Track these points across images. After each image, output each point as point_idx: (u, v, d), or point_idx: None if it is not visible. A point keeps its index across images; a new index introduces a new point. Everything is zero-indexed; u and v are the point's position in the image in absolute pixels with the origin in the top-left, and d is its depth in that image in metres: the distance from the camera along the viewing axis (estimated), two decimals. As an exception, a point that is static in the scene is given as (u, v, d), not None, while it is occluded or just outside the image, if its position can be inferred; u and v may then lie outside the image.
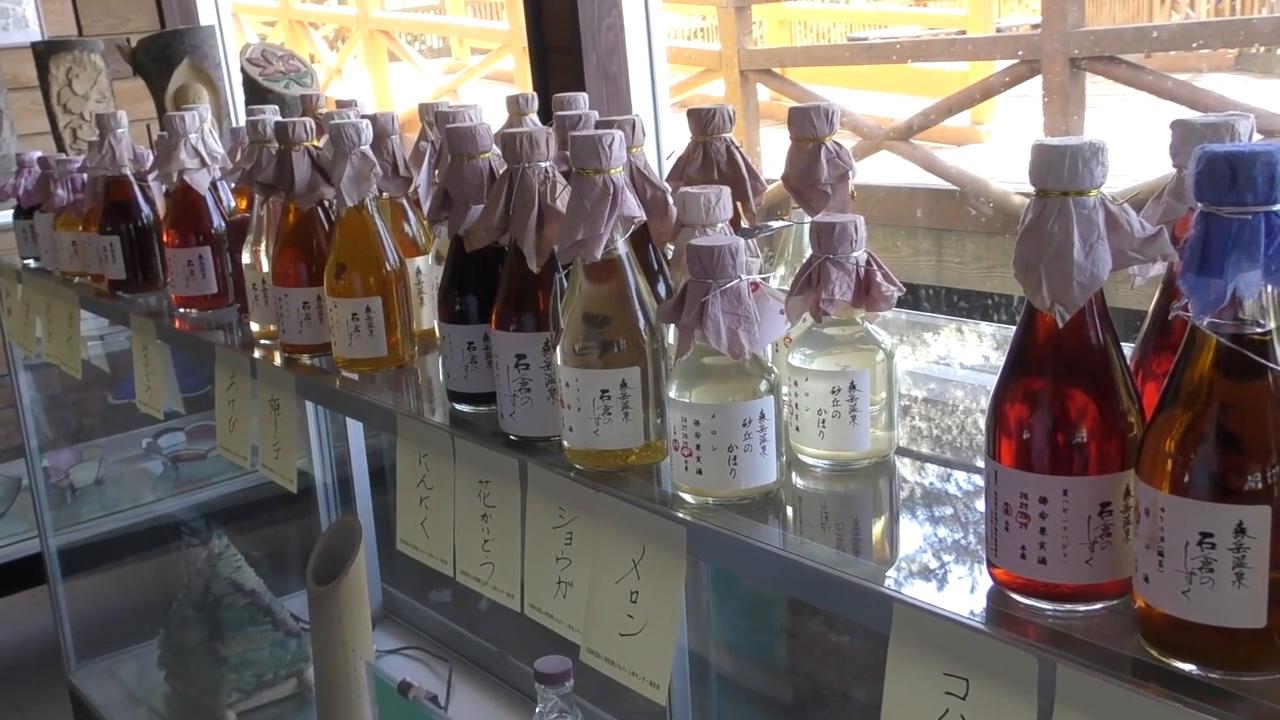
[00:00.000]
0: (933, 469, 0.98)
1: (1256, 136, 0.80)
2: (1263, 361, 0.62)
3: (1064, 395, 0.70)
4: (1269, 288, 0.62)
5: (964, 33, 5.73)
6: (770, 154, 4.22)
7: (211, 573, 2.28)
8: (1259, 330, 0.62)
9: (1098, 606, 0.71)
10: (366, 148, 1.25)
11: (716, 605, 2.08)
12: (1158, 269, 0.80)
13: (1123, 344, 0.72)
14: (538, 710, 1.48)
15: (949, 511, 0.90)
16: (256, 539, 3.02)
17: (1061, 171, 0.68)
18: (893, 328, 1.36)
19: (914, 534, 0.87)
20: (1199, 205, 0.62)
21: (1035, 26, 4.49)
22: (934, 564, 0.81)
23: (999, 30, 5.89)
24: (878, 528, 0.90)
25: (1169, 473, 0.63)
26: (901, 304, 0.95)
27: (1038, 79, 3.70)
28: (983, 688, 0.70)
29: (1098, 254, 0.68)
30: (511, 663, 2.24)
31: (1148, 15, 6.77)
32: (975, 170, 3.95)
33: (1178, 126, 0.79)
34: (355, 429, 2.51)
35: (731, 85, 4.68)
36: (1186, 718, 0.61)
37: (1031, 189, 0.70)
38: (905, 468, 0.98)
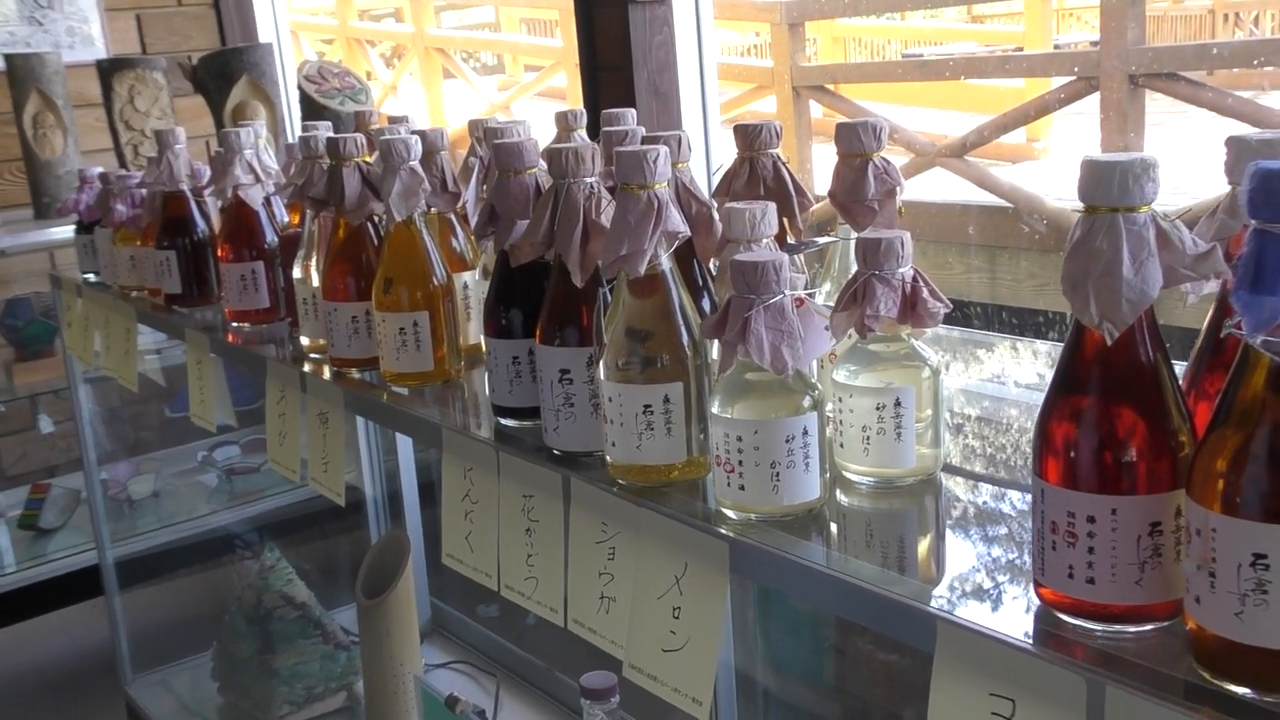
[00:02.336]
0: (984, 488, 0.97)
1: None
2: (1317, 380, 0.60)
3: (1112, 413, 0.69)
4: (1324, 306, 0.60)
5: (1021, 49, 5.68)
6: (822, 171, 4.20)
7: (263, 585, 2.30)
8: (1314, 348, 0.61)
9: (1148, 628, 0.70)
10: (415, 163, 1.26)
11: (763, 622, 2.07)
12: (1211, 286, 0.79)
13: (1175, 363, 0.71)
14: (583, 726, 1.48)
15: (997, 531, 0.89)
16: (307, 552, 3.05)
17: (1111, 187, 0.67)
18: (945, 345, 1.34)
19: (960, 553, 0.85)
20: (1252, 222, 0.61)
21: (1094, 43, 4.44)
22: (980, 583, 0.80)
23: (1057, 47, 5.83)
24: (923, 546, 0.89)
25: (1221, 493, 0.62)
26: (953, 321, 0.94)
27: (1095, 96, 3.66)
28: (1029, 709, 0.69)
29: (1148, 271, 0.67)
30: (558, 678, 2.24)
31: (1209, 33, 6.69)
32: (1030, 187, 3.91)
33: (1232, 143, 0.78)
34: (405, 443, 2.53)
35: (784, 101, 4.67)
36: (1238, 744, 0.60)
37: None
38: (956, 486, 0.96)
